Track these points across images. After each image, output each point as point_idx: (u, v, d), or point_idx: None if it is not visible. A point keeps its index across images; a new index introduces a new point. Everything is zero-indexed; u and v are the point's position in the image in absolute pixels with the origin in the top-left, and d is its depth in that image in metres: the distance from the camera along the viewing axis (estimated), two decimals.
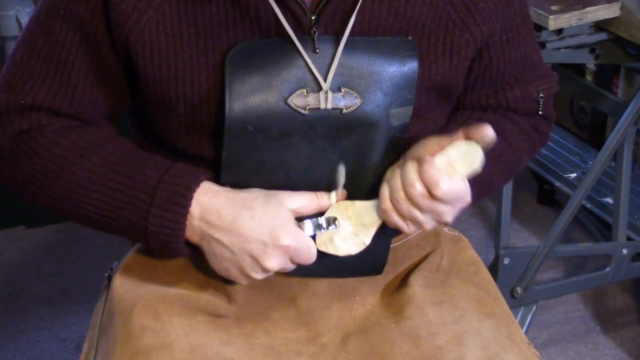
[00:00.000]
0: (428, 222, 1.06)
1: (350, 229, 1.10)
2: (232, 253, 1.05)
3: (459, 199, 1.04)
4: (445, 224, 1.27)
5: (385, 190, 1.06)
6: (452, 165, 1.03)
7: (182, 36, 1.06)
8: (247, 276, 1.07)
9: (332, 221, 1.09)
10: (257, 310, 1.16)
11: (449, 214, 1.06)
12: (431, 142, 1.07)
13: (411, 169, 1.03)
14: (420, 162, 1.03)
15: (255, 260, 1.05)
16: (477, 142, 1.03)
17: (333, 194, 1.10)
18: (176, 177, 1.07)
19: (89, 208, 1.08)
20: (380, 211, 1.08)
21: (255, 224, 1.05)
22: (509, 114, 1.23)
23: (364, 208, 1.10)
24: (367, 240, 1.10)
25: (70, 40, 1.08)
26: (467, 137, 1.04)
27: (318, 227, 1.09)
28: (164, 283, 1.15)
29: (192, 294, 1.14)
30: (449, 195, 1.03)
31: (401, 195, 1.04)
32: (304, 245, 1.06)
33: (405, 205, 1.05)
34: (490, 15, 1.13)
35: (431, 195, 1.03)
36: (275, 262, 1.05)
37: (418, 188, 1.03)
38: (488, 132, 1.03)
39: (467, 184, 1.05)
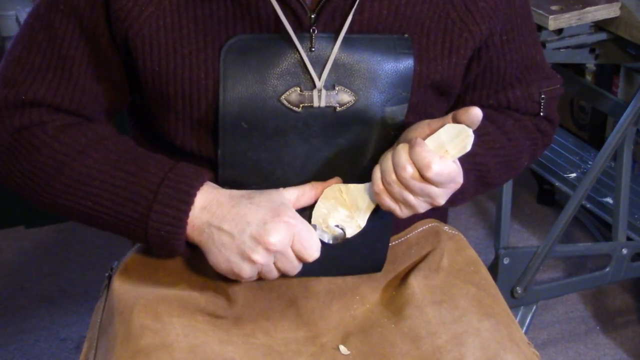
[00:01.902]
0: (421, 205, 1.06)
1: (345, 212, 1.11)
2: (231, 237, 1.04)
3: (451, 181, 1.04)
4: (446, 222, 1.28)
5: (377, 173, 1.06)
6: (443, 147, 1.03)
7: (182, 32, 1.06)
8: (249, 259, 1.04)
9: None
10: (256, 311, 1.16)
11: (441, 196, 1.05)
12: (422, 125, 1.06)
13: (402, 151, 1.03)
14: (411, 144, 1.02)
15: (256, 239, 1.03)
16: (466, 123, 1.02)
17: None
18: (180, 175, 1.07)
19: (88, 204, 1.08)
20: (373, 194, 1.08)
21: (255, 207, 1.05)
22: (510, 112, 1.23)
23: (358, 191, 1.10)
24: (362, 223, 1.10)
25: (70, 34, 1.08)
26: (456, 120, 1.03)
27: (324, 232, 1.09)
28: (164, 283, 1.15)
29: (192, 295, 1.14)
30: (440, 176, 1.02)
31: (393, 177, 1.04)
32: (305, 226, 1.06)
33: (397, 188, 1.04)
34: (490, 15, 1.13)
35: (423, 177, 1.02)
36: (277, 237, 1.03)
37: (409, 170, 1.02)
38: (476, 113, 1.01)
39: (459, 166, 1.05)
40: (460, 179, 1.05)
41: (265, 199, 1.06)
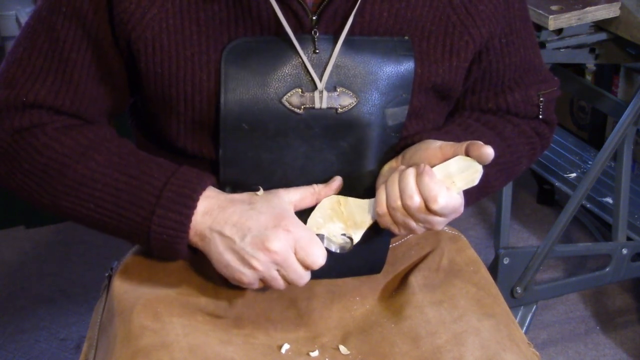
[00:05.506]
0: (420, 230, 1.07)
1: (341, 225, 1.10)
2: (232, 243, 1.05)
3: (454, 212, 1.05)
4: None
5: (382, 195, 1.06)
6: (451, 178, 1.04)
7: (184, 34, 1.06)
8: (249, 265, 1.04)
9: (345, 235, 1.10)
10: (256, 311, 1.16)
11: (441, 224, 1.07)
12: (433, 147, 1.07)
13: (410, 178, 1.03)
14: (420, 172, 1.03)
15: (256, 245, 1.03)
16: (477, 159, 1.03)
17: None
18: (182, 179, 1.07)
19: (90, 206, 1.08)
20: (374, 212, 1.08)
21: (256, 213, 1.05)
22: (509, 117, 1.22)
23: (358, 206, 1.10)
24: (356, 239, 1.10)
25: (72, 37, 1.08)
26: (468, 153, 1.04)
27: (329, 240, 1.09)
28: (164, 283, 1.15)
29: (192, 295, 1.14)
30: (445, 209, 1.03)
31: (398, 203, 1.04)
32: (307, 233, 1.06)
33: (400, 214, 1.05)
34: (490, 18, 1.13)
35: (428, 208, 1.03)
36: (278, 243, 1.03)
37: (416, 201, 1.03)
38: (488, 153, 1.02)
39: (463, 198, 1.05)
40: (461, 209, 1.06)
41: (266, 205, 1.06)
